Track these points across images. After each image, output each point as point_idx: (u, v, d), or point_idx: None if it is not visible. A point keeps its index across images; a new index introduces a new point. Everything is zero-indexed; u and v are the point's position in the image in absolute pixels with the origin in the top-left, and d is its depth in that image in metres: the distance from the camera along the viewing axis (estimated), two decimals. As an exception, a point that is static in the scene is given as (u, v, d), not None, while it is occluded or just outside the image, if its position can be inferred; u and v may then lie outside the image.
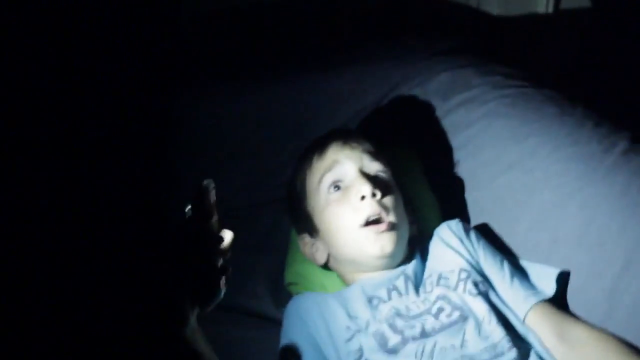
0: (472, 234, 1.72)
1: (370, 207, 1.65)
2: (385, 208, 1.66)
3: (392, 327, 1.58)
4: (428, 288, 1.65)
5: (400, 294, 1.64)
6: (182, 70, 2.10)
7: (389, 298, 1.64)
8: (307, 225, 1.76)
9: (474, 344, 1.53)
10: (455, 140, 1.96)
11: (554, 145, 1.81)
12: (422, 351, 1.53)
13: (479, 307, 1.59)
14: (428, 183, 1.96)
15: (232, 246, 1.30)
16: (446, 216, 1.90)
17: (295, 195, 1.79)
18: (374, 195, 1.65)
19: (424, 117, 2.03)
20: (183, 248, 1.29)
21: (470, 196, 1.90)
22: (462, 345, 1.53)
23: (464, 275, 1.64)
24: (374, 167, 1.72)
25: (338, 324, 1.61)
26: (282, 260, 1.90)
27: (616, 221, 1.65)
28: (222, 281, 1.32)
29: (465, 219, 1.89)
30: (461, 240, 1.70)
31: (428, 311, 1.61)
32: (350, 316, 1.62)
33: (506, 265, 1.67)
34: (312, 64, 2.11)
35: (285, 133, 2.03)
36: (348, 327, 1.60)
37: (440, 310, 1.60)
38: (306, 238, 1.78)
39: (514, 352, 1.51)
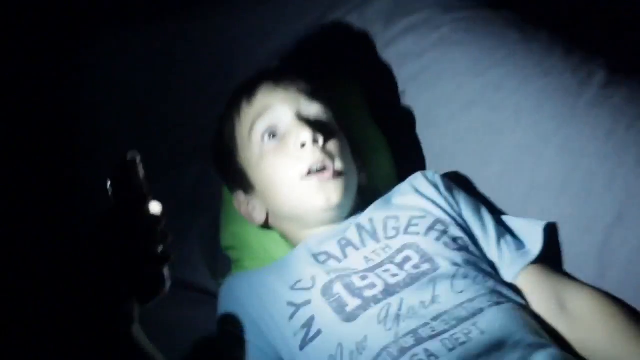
0: (452, 186, 1.52)
1: (312, 155, 1.44)
2: (329, 155, 1.46)
3: (349, 287, 1.35)
4: (391, 233, 1.44)
5: (356, 247, 1.43)
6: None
7: (344, 255, 1.42)
8: (240, 181, 1.55)
9: (446, 299, 1.31)
10: (403, 72, 1.73)
11: (521, 77, 1.59)
12: (387, 314, 1.31)
13: (454, 259, 1.38)
14: (375, 122, 1.72)
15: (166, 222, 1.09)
16: (399, 159, 1.68)
17: (223, 149, 1.56)
18: (315, 141, 1.45)
19: (364, 46, 1.79)
20: (110, 239, 1.07)
21: (425, 136, 1.68)
22: (432, 301, 1.31)
23: (439, 226, 1.43)
24: (313, 109, 1.51)
25: (278, 301, 1.39)
26: (216, 220, 1.67)
27: (604, 167, 1.46)
28: (166, 271, 1.10)
29: (421, 161, 1.68)
30: (438, 190, 1.49)
31: (390, 259, 1.39)
32: (293, 288, 1.39)
33: (489, 220, 1.48)
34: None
35: (201, 73, 1.77)
36: (290, 303, 1.38)
37: (406, 260, 1.38)
38: (240, 196, 1.56)
39: (496, 309, 1.30)
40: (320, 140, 1.45)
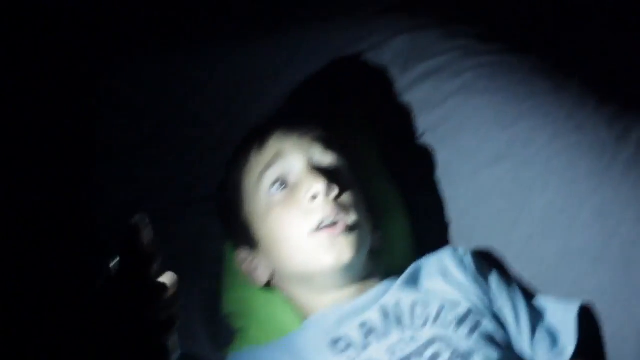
0: (484, 266, 1.38)
1: (323, 208, 1.31)
2: (342, 208, 1.33)
3: None
4: (418, 321, 1.29)
5: (378, 336, 1.28)
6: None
7: (366, 344, 1.28)
8: (244, 236, 1.41)
9: None
10: (421, 122, 1.60)
11: (552, 130, 1.47)
12: None
13: (487, 356, 1.24)
14: (390, 176, 1.59)
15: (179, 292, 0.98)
16: (416, 219, 1.55)
17: (228, 199, 1.43)
18: (328, 193, 1.31)
19: (379, 92, 1.66)
20: (111, 305, 0.96)
21: (446, 193, 1.55)
22: None
23: (472, 318, 1.29)
24: (328, 158, 1.38)
25: None
26: (217, 282, 1.52)
27: (646, 235, 1.33)
28: (173, 340, 0.99)
29: (441, 221, 1.54)
30: (470, 275, 1.36)
31: (418, 355, 1.24)
32: None
33: (522, 308, 1.34)
34: (235, 30, 1.68)
35: (209, 115, 1.63)
36: None
37: (435, 357, 1.24)
38: (243, 252, 1.43)
39: None
40: (334, 192, 1.32)
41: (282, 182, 1.35)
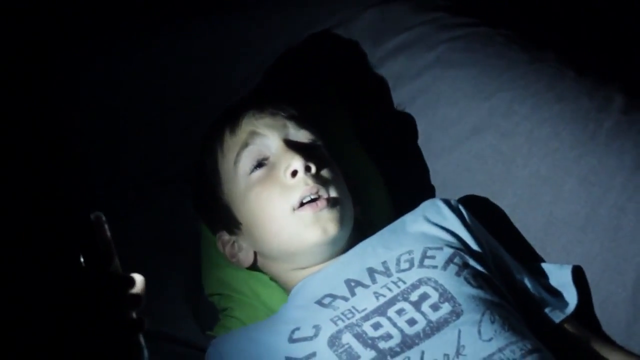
0: (479, 224, 1.36)
1: (304, 184, 1.29)
2: (323, 182, 1.30)
3: (360, 337, 1.18)
4: (404, 265, 1.27)
5: (365, 286, 1.26)
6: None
7: (352, 294, 1.25)
8: (224, 219, 1.38)
9: (473, 349, 1.15)
10: (396, 96, 1.59)
11: (533, 101, 1.47)
12: None
13: (478, 298, 1.21)
14: (365, 152, 1.56)
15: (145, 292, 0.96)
16: (395, 193, 1.53)
17: (205, 184, 1.39)
18: (307, 169, 1.29)
19: (351, 66, 1.63)
20: (76, 304, 0.93)
21: (425, 166, 1.53)
22: (457, 353, 1.15)
23: (459, 259, 1.26)
24: (303, 135, 1.36)
25: (272, 358, 1.21)
26: (197, 261, 1.49)
27: (633, 201, 1.34)
28: (141, 339, 0.96)
29: (420, 194, 1.52)
30: (460, 219, 1.34)
31: (405, 295, 1.21)
32: (291, 339, 1.22)
33: (521, 266, 1.33)
34: (202, 7, 1.63)
35: (179, 94, 1.58)
36: (289, 358, 1.19)
37: (423, 297, 1.21)
38: (224, 236, 1.39)
39: None
40: (313, 167, 1.30)
41: (260, 162, 1.32)
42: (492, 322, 1.18)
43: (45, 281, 0.94)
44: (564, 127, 1.42)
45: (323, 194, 1.29)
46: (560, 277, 1.34)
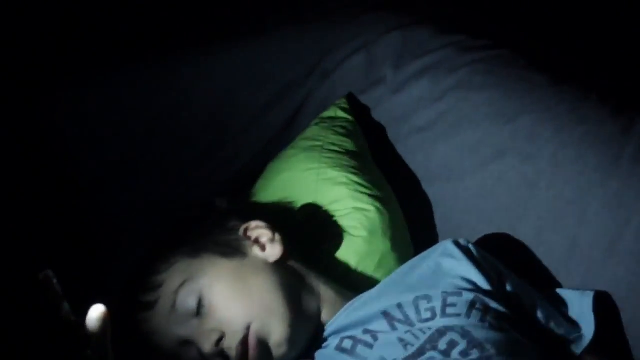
0: (488, 256, 1.33)
1: (230, 351, 1.21)
2: (236, 330, 1.21)
3: None
4: (426, 315, 1.23)
5: (386, 333, 1.23)
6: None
7: (375, 339, 1.22)
8: None
9: None
10: (418, 119, 1.57)
11: (556, 124, 1.45)
12: None
13: (504, 344, 1.19)
14: (380, 172, 1.55)
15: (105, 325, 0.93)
16: (413, 218, 1.51)
17: None
18: (219, 340, 1.21)
19: (372, 91, 1.63)
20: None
21: (446, 191, 1.52)
22: None
23: (479, 304, 1.23)
24: (185, 305, 1.24)
25: None
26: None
27: (658, 225, 1.32)
28: None
29: (441, 220, 1.52)
30: (473, 262, 1.30)
31: (432, 343, 1.18)
32: None
33: (535, 296, 1.31)
34: (217, 37, 1.65)
35: (194, 127, 1.59)
36: None
37: (452, 345, 1.18)
38: None
39: None
40: (218, 335, 1.20)
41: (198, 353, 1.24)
42: None
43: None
44: (587, 149, 1.41)
45: (246, 335, 1.21)
46: (580, 305, 1.31)
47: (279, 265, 1.30)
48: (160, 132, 1.57)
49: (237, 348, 1.19)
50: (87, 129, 1.54)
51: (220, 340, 1.20)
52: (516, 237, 1.44)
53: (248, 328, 1.20)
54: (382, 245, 1.42)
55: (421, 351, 1.18)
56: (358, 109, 1.63)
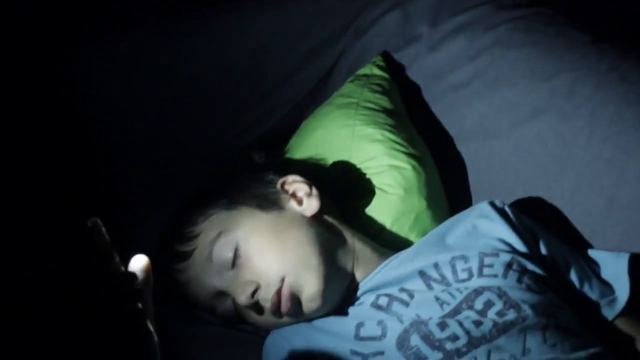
0: (525, 218, 1.32)
1: (265, 302, 1.23)
2: (270, 282, 1.22)
3: (427, 339, 1.15)
4: (462, 275, 1.23)
5: (421, 292, 1.23)
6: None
7: (411, 296, 1.22)
8: None
9: (539, 353, 1.13)
10: (455, 76, 1.55)
11: (595, 82, 1.43)
12: None
13: (542, 305, 1.19)
14: (416, 130, 1.54)
15: (148, 276, 0.95)
16: (448, 176, 1.50)
17: None
18: (251, 295, 1.22)
19: (407, 48, 1.61)
20: (79, 307, 0.92)
21: (482, 149, 1.50)
22: (523, 354, 1.12)
23: (516, 265, 1.23)
24: (221, 257, 1.26)
25: (336, 350, 1.19)
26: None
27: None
28: (150, 325, 0.95)
29: (476, 178, 1.50)
30: (509, 224, 1.29)
31: (468, 303, 1.19)
32: (358, 337, 1.19)
33: (570, 258, 1.29)
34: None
35: (228, 84, 1.59)
36: (355, 352, 1.17)
37: (488, 305, 1.18)
38: None
39: None
40: (254, 286, 1.22)
41: (233, 304, 1.26)
42: (557, 328, 1.16)
43: (45, 282, 0.94)
44: (627, 108, 1.38)
45: (279, 294, 1.22)
46: (615, 267, 1.30)
47: (315, 220, 1.30)
48: (195, 88, 1.56)
49: (272, 300, 1.21)
50: (121, 85, 1.54)
51: (255, 291, 1.21)
52: (552, 197, 1.42)
53: (283, 280, 1.21)
54: (418, 203, 1.41)
55: (457, 310, 1.19)
56: (393, 67, 1.61)
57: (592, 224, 1.38)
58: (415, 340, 1.15)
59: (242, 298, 1.22)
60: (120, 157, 1.54)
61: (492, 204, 1.30)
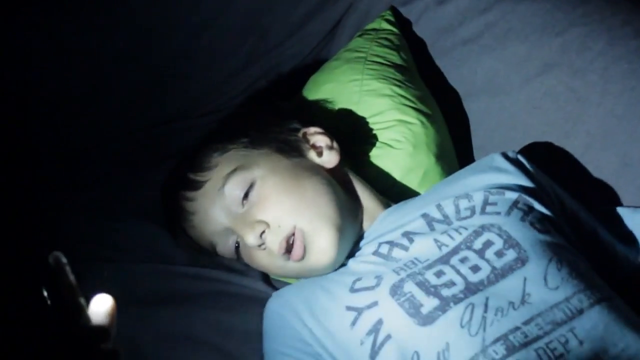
0: (539, 171, 1.28)
1: (272, 244, 1.21)
2: (284, 225, 1.21)
3: (422, 285, 1.14)
4: (465, 213, 1.21)
5: (422, 234, 1.21)
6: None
7: (410, 241, 1.20)
8: None
9: (539, 298, 1.10)
10: (464, 30, 1.52)
11: (609, 37, 1.40)
12: (471, 316, 1.09)
13: (544, 244, 1.15)
14: (423, 82, 1.51)
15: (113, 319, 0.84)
16: (458, 132, 1.48)
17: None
18: (261, 234, 1.21)
19: (416, 1, 1.59)
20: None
21: (492, 105, 1.48)
22: (523, 301, 1.10)
23: (522, 203, 1.20)
24: (234, 192, 1.24)
25: (335, 309, 1.18)
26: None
27: None
28: None
29: (487, 134, 1.48)
30: (521, 168, 1.26)
31: (468, 243, 1.16)
32: (353, 289, 1.18)
33: (582, 209, 1.27)
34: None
35: (233, 37, 1.56)
36: (350, 307, 1.16)
37: (487, 245, 1.15)
38: None
39: (597, 310, 1.09)
40: (264, 229, 1.21)
41: (235, 243, 1.26)
42: (559, 270, 1.12)
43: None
44: (640, 64, 1.36)
45: (292, 237, 1.21)
46: (633, 221, 1.28)
47: (333, 173, 1.28)
48: (200, 42, 1.53)
49: (280, 243, 1.20)
50: (129, 40, 1.50)
51: (262, 233, 1.20)
52: (564, 154, 1.39)
53: (294, 227, 1.20)
54: (426, 159, 1.40)
55: (455, 251, 1.16)
56: (401, 22, 1.58)
57: (606, 181, 1.36)
58: (409, 287, 1.14)
59: (251, 237, 1.20)
60: (117, 114, 1.51)
61: (504, 155, 1.27)
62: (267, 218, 1.21)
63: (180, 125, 1.54)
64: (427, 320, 1.10)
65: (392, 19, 1.56)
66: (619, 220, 1.30)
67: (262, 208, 1.22)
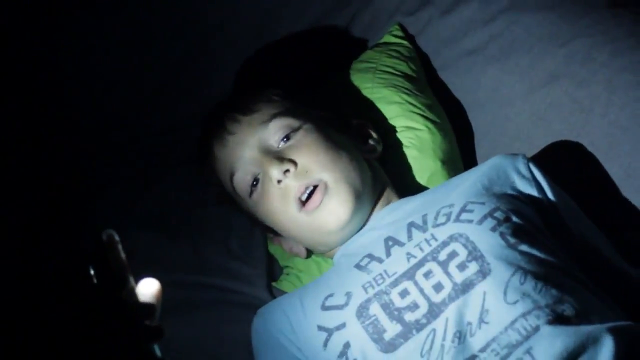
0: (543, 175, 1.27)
1: (292, 186, 1.26)
2: (310, 172, 1.26)
3: (387, 308, 1.14)
4: (440, 220, 1.20)
5: (401, 244, 1.21)
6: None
7: (388, 254, 1.21)
8: (262, 226, 1.38)
9: (496, 315, 1.08)
10: (469, 41, 1.53)
11: (613, 48, 1.40)
12: (431, 345, 1.09)
13: (510, 256, 1.13)
14: (432, 95, 1.52)
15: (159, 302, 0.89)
16: (464, 143, 1.48)
17: (225, 195, 1.39)
18: (286, 172, 1.26)
19: (420, 12, 1.59)
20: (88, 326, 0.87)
21: (496, 116, 1.48)
22: (480, 321, 1.08)
23: (499, 213, 1.18)
24: (277, 129, 1.31)
25: (308, 328, 1.19)
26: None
27: None
28: (156, 350, 0.91)
29: (491, 145, 1.48)
30: (526, 179, 1.25)
31: (433, 255, 1.16)
32: (324, 307, 1.19)
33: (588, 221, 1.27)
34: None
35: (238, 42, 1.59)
36: (321, 327, 1.18)
37: (452, 256, 1.14)
38: (274, 238, 1.41)
39: (552, 328, 1.06)
40: (292, 167, 1.26)
41: (252, 182, 1.30)
42: (522, 283, 1.10)
43: (55, 304, 0.90)
44: (644, 75, 1.36)
45: (314, 185, 1.25)
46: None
47: (369, 164, 1.33)
48: (212, 44, 1.56)
49: (299, 186, 1.25)
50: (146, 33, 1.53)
51: (287, 171, 1.25)
52: (566, 164, 1.40)
53: (320, 179, 1.25)
54: (432, 164, 1.42)
55: (421, 263, 1.16)
56: (406, 33, 1.59)
57: (609, 191, 1.36)
58: (374, 309, 1.14)
59: (275, 171, 1.25)
60: (124, 120, 1.52)
61: (506, 157, 1.27)
62: (299, 160, 1.26)
63: (185, 134, 1.54)
64: (389, 347, 1.11)
65: (400, 33, 1.58)
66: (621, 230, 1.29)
67: (297, 152, 1.27)
